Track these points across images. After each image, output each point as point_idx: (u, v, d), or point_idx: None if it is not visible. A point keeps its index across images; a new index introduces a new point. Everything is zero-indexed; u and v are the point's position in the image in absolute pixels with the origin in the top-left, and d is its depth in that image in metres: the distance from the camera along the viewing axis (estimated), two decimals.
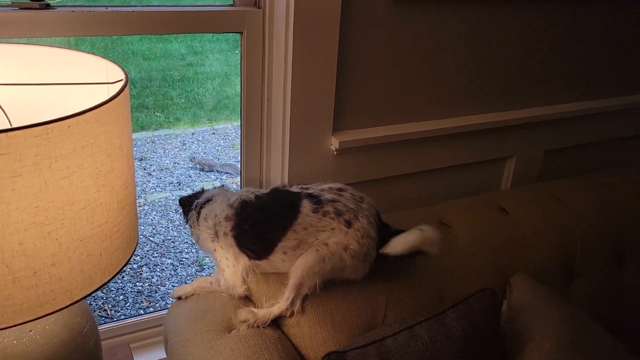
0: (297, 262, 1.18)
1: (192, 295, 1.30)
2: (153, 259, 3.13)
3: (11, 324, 0.76)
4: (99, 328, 1.51)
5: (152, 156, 4.17)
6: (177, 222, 3.45)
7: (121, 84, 0.85)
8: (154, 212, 3.53)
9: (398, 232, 1.25)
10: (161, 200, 3.67)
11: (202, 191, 1.34)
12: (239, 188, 1.52)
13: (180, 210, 1.35)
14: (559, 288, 1.49)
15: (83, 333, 1.00)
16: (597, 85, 1.92)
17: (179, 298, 1.30)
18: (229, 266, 1.23)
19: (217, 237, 1.22)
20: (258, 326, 1.19)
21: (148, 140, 4.37)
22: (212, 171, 4.06)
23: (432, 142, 1.64)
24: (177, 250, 3.22)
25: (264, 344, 1.15)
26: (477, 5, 1.56)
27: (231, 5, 1.37)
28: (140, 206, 3.58)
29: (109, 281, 0.87)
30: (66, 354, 0.95)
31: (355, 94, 1.48)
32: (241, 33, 1.36)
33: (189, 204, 1.31)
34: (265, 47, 1.39)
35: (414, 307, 1.30)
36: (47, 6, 1.17)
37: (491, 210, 1.56)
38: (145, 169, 4.00)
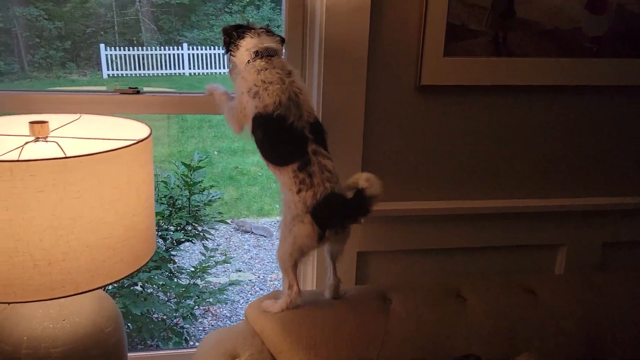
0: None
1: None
2: None
3: (28, 300, 1.07)
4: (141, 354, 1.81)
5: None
6: None
7: (137, 140, 1.17)
8: None
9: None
10: None
11: (248, 25, 1.39)
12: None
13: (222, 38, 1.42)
14: None
15: (105, 332, 1.28)
16: None
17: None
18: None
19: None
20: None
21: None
22: (249, 232, 4.66)
23: (464, 221, 1.71)
24: None
25: None
26: (512, 95, 1.65)
27: None
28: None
29: (109, 284, 1.15)
30: (87, 344, 1.24)
31: (382, 168, 1.63)
32: None
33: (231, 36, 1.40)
34: None
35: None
36: (138, 92, 1.59)
37: (516, 291, 1.56)
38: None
